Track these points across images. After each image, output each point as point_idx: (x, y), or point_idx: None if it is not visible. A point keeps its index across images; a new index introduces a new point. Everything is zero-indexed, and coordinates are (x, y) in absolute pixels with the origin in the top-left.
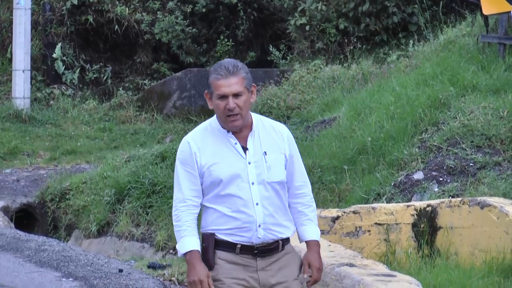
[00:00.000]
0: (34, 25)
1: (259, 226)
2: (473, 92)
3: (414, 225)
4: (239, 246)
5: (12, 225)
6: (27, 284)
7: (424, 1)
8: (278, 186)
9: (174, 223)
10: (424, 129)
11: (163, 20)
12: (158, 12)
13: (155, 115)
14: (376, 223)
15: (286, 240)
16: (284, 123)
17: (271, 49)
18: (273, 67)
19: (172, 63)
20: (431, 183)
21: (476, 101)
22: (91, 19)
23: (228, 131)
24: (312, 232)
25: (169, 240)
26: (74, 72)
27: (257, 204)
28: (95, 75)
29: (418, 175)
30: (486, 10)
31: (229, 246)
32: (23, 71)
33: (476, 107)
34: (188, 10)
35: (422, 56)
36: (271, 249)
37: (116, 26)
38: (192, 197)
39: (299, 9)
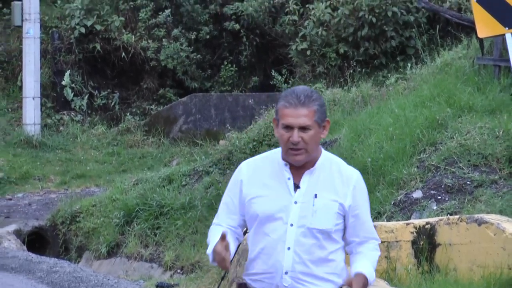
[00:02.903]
0: (43, 53)
1: (286, 273)
2: (469, 112)
3: (413, 243)
4: None
5: (25, 247)
6: None
7: (422, 25)
8: (321, 236)
9: (207, 240)
10: (422, 149)
11: (169, 47)
12: (163, 39)
13: (162, 139)
14: None
15: None
16: None
17: (273, 74)
18: (275, 91)
19: (178, 88)
20: (429, 202)
21: (472, 121)
22: (98, 47)
23: (286, 164)
24: (362, 267)
25: (177, 260)
26: (83, 98)
27: (288, 248)
28: (103, 101)
29: (417, 194)
30: (481, 33)
31: None
32: (33, 98)
33: (472, 127)
34: (193, 37)
35: (420, 79)
36: None
37: (123, 54)
38: (226, 225)
39: (300, 34)
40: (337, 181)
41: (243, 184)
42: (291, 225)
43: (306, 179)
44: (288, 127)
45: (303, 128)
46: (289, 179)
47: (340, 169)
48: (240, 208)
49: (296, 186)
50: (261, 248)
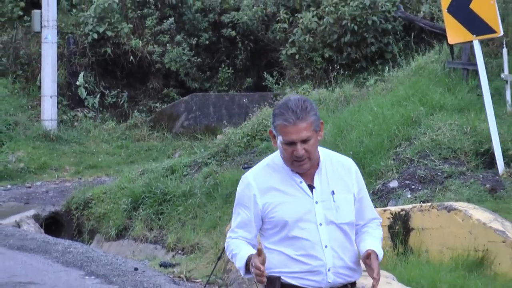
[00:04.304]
0: (60, 56)
1: (329, 270)
2: (440, 111)
3: (390, 227)
4: None
5: (42, 230)
6: (55, 281)
7: (398, 32)
8: (347, 227)
9: (227, 254)
10: (398, 143)
11: (172, 51)
12: (167, 44)
13: (165, 133)
14: None
15: (353, 285)
16: None
17: (265, 76)
18: (267, 91)
19: (180, 88)
20: (404, 190)
21: (443, 119)
22: (109, 51)
23: (292, 169)
24: (371, 245)
25: (178, 242)
26: (95, 97)
27: (326, 246)
28: (113, 100)
29: (393, 184)
30: (451, 40)
31: None
32: (51, 97)
33: (443, 124)
34: (194, 42)
35: (396, 80)
36: None
37: (131, 57)
38: (243, 237)
39: (289, 40)
40: (343, 173)
41: (257, 197)
42: (320, 224)
43: (317, 179)
44: (291, 143)
45: (304, 141)
46: (301, 182)
47: (339, 161)
48: (256, 220)
49: (311, 187)
50: (298, 251)
